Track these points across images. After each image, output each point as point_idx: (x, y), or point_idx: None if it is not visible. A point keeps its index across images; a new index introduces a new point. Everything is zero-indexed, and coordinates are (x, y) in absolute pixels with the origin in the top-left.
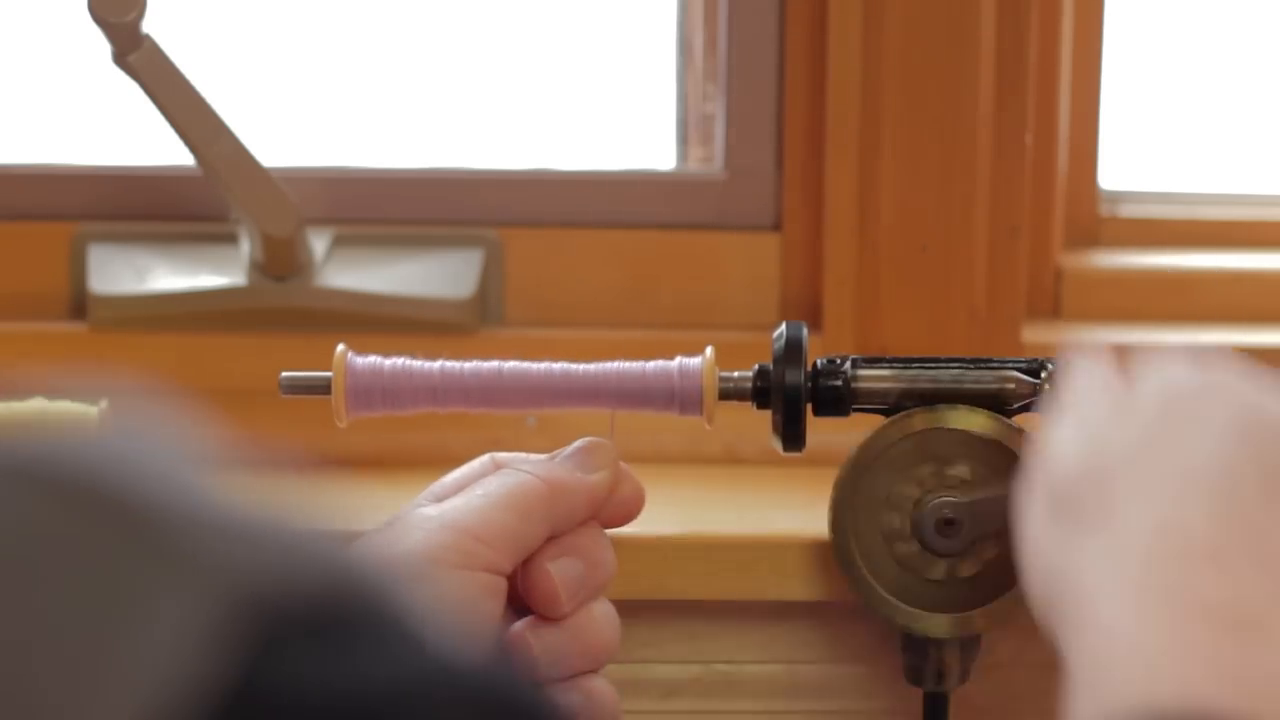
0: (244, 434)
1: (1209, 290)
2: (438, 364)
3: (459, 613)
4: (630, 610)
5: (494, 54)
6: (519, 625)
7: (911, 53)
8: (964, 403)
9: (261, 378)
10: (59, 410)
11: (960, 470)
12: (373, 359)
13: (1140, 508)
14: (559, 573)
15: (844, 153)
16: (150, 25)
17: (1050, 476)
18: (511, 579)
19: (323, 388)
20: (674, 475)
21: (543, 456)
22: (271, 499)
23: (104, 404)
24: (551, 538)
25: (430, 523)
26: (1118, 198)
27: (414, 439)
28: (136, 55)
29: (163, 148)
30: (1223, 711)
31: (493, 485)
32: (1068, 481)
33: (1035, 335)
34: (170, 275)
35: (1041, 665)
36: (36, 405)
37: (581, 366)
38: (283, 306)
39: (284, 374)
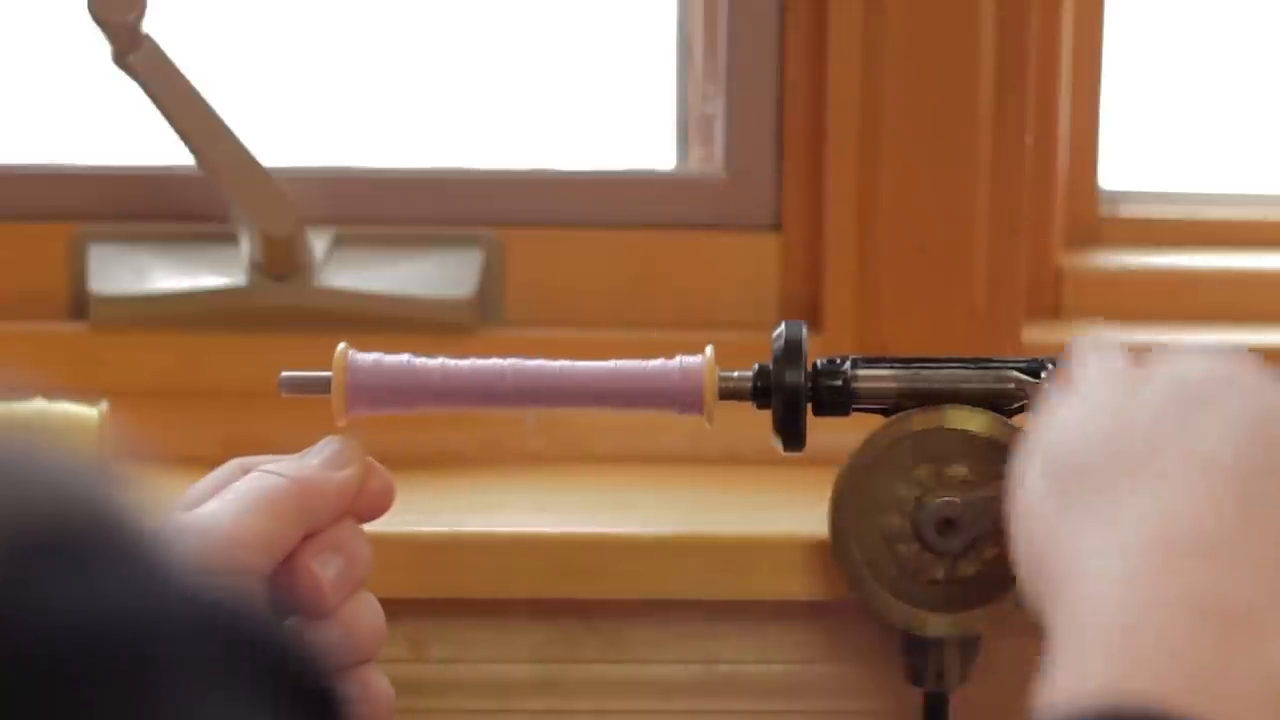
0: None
1: (1209, 290)
2: (438, 363)
3: None
4: (630, 610)
5: (494, 54)
6: (290, 624)
7: (911, 53)
8: (964, 403)
9: (261, 378)
10: (59, 411)
11: (960, 470)
12: (373, 357)
13: (1145, 491)
14: (321, 568)
15: (844, 153)
16: (150, 25)
17: (1053, 447)
18: (268, 581)
19: (323, 387)
20: (674, 475)
21: (290, 457)
22: (23, 435)
23: (104, 405)
24: (307, 536)
25: (185, 528)
26: (1118, 198)
27: (414, 439)
28: (136, 55)
29: (163, 148)
30: (1190, 710)
31: (243, 488)
32: (1072, 454)
33: (1035, 335)
34: (170, 275)
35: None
36: (36, 405)
37: (582, 366)
38: (283, 306)
39: (284, 374)
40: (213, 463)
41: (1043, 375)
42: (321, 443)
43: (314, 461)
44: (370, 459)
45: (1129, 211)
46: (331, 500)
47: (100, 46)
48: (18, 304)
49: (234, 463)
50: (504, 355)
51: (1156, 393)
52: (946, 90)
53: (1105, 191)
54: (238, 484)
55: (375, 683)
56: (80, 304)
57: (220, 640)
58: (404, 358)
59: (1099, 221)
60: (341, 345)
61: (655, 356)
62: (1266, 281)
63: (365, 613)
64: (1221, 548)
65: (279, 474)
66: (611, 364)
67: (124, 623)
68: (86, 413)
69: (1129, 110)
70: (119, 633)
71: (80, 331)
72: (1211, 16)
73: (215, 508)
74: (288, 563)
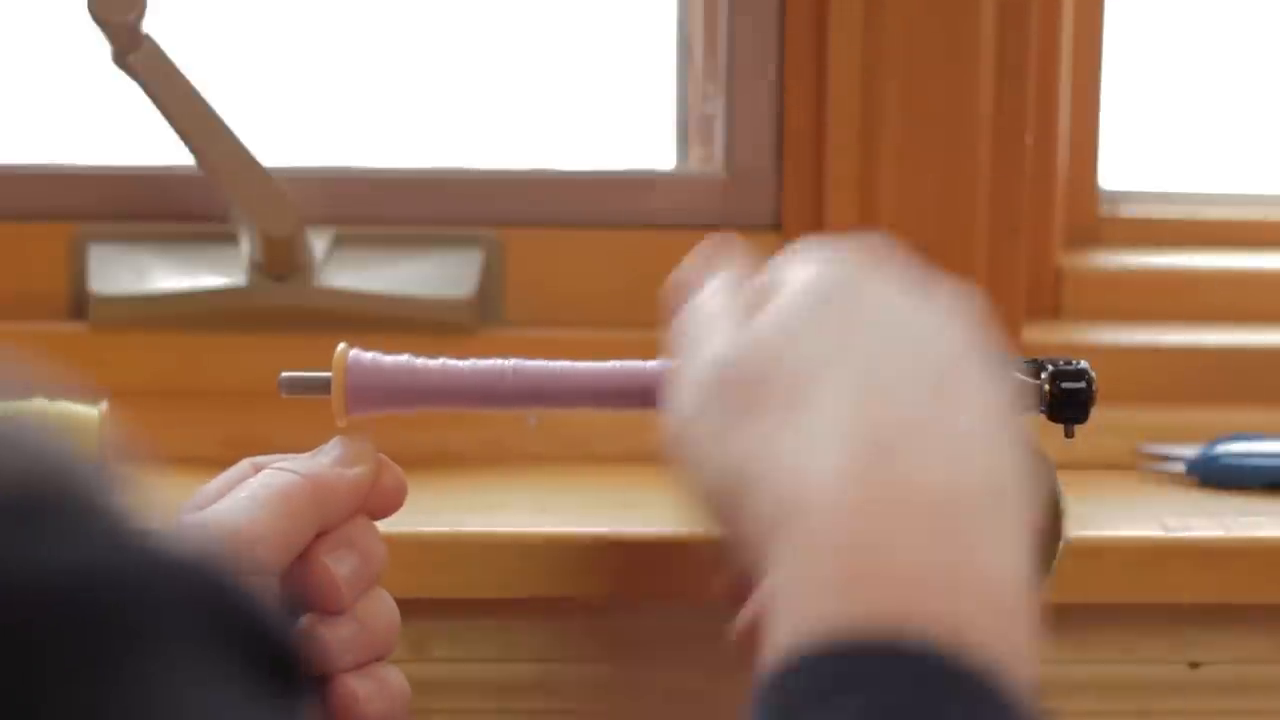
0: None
1: (1209, 290)
2: (438, 363)
3: None
4: (631, 610)
5: (494, 54)
6: (305, 620)
7: (911, 53)
8: None
9: (261, 378)
10: (59, 411)
11: None
12: (373, 358)
13: (832, 399)
14: (335, 565)
15: (844, 153)
16: (150, 25)
17: (707, 369)
18: (283, 579)
19: (323, 387)
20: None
21: (302, 456)
22: None
23: (104, 405)
24: (320, 533)
25: (198, 526)
26: (1118, 198)
27: (414, 439)
28: (136, 55)
29: (163, 148)
30: (922, 625)
31: (255, 486)
32: (733, 370)
33: (1035, 335)
34: (170, 275)
35: (1042, 664)
36: (36, 405)
37: (581, 366)
38: (283, 306)
39: (284, 374)
40: (213, 463)
41: (1042, 375)
42: (333, 441)
43: (326, 459)
44: (383, 456)
45: (1129, 211)
46: (344, 497)
47: (100, 46)
48: (18, 304)
49: (245, 462)
50: (504, 355)
51: (797, 305)
52: (946, 90)
53: (1105, 191)
54: (250, 481)
55: (391, 679)
56: (80, 304)
57: (182, 599)
58: (404, 358)
59: (1099, 221)
60: (341, 345)
61: (655, 357)
62: (1266, 281)
63: (380, 609)
64: (911, 444)
65: (291, 471)
66: (611, 364)
67: (84, 581)
68: (86, 413)
69: (1129, 110)
70: (79, 591)
71: (80, 331)
72: (1211, 16)
73: (227, 505)
74: (301, 560)
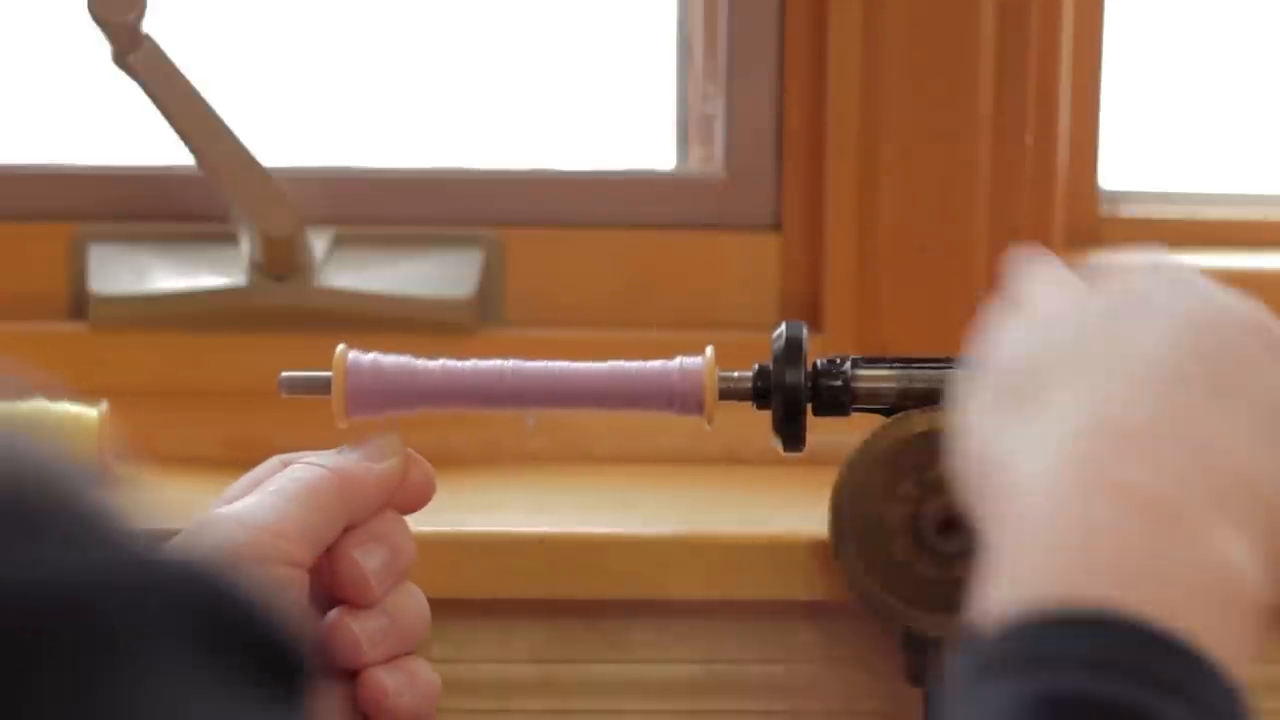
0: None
1: None
2: (438, 364)
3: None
4: (630, 610)
5: (494, 54)
6: (335, 614)
7: (912, 53)
8: None
9: (261, 378)
10: (59, 411)
11: None
12: (373, 358)
13: (1073, 394)
14: (364, 559)
15: (844, 153)
16: (150, 25)
17: (994, 367)
18: (312, 572)
19: (323, 387)
20: (674, 475)
21: (329, 452)
22: None
23: (104, 405)
24: (349, 527)
25: (225, 521)
26: (1118, 198)
27: (414, 439)
28: (136, 55)
29: (163, 148)
30: (1128, 607)
31: (284, 481)
32: (1010, 371)
33: None
34: (170, 275)
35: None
36: (36, 405)
37: (581, 367)
38: (283, 306)
39: (284, 374)
40: (213, 462)
41: None
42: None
43: (354, 454)
44: (410, 451)
45: (1129, 211)
46: (373, 491)
47: (100, 46)
48: (18, 304)
49: (273, 459)
50: (504, 355)
51: (1096, 305)
52: (946, 90)
53: (1105, 191)
54: (278, 476)
55: (421, 672)
56: (80, 304)
57: (179, 604)
58: (404, 358)
59: (1099, 221)
60: (341, 346)
61: (655, 357)
62: (1266, 281)
63: (410, 603)
64: (1150, 441)
65: (320, 465)
66: (611, 365)
67: (76, 586)
68: (86, 413)
69: (1129, 110)
70: (71, 596)
71: (80, 331)
72: (1211, 16)
73: (256, 500)
74: (331, 554)
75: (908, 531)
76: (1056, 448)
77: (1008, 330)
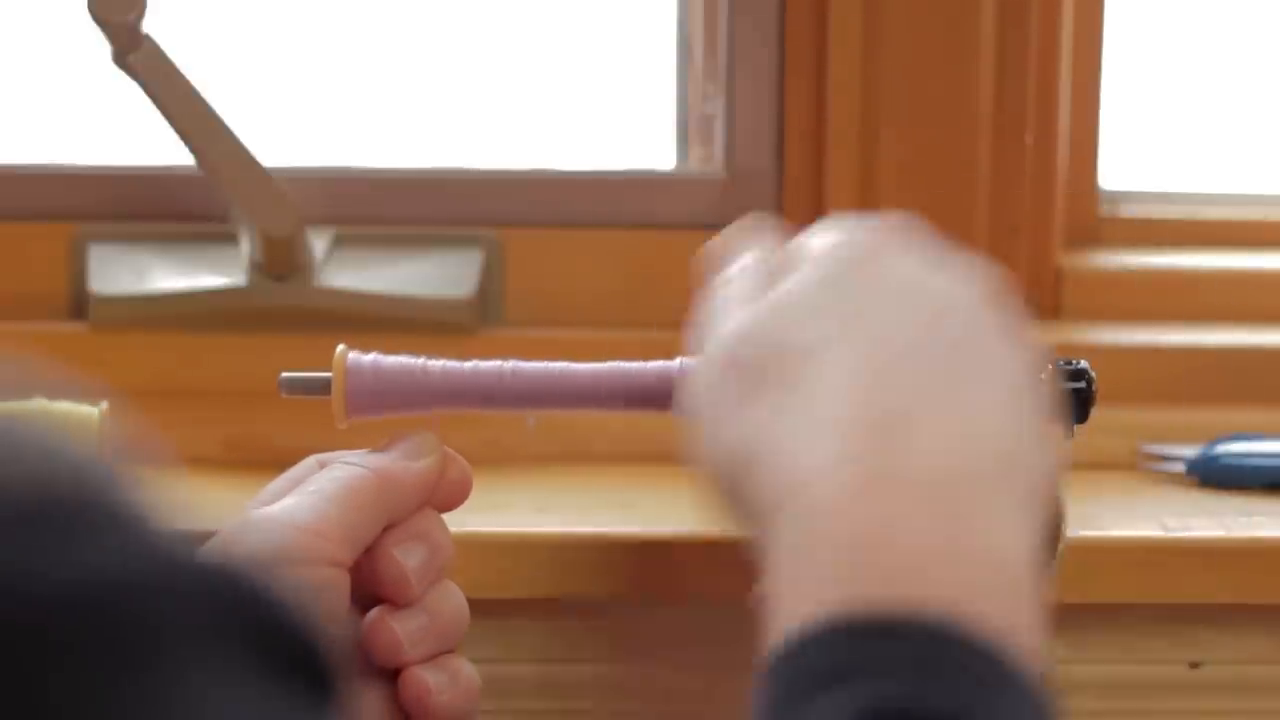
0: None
1: (1209, 290)
2: (438, 364)
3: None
4: (631, 610)
5: (494, 54)
6: (375, 613)
7: (911, 53)
8: None
9: (261, 378)
10: (59, 411)
11: None
12: (372, 358)
13: (828, 376)
14: (404, 557)
15: (844, 153)
16: (150, 25)
17: (722, 346)
18: (352, 572)
19: (323, 388)
20: (674, 475)
21: (367, 451)
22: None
23: (104, 404)
24: (389, 526)
25: (266, 522)
26: (1118, 198)
27: None
28: (136, 55)
29: (163, 148)
30: (927, 605)
31: (324, 481)
32: (743, 350)
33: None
34: (170, 275)
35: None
36: (37, 405)
37: (581, 367)
38: (283, 306)
39: (284, 374)
40: (213, 462)
41: (1041, 376)
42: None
43: (392, 453)
44: (448, 449)
45: (1129, 211)
46: (411, 490)
47: (100, 46)
48: (18, 304)
49: (310, 460)
50: (504, 355)
51: (813, 279)
52: (946, 90)
53: (1105, 191)
54: (317, 476)
55: (463, 670)
56: (80, 304)
57: (210, 605)
58: (404, 359)
59: (1099, 221)
60: (341, 346)
61: (655, 357)
62: (1266, 281)
63: (450, 601)
64: (915, 430)
65: (358, 465)
66: (611, 365)
67: (106, 587)
68: (86, 413)
69: (1129, 110)
70: (100, 597)
71: (80, 331)
72: (1211, 16)
73: (296, 501)
74: (370, 552)
75: None
76: (825, 444)
77: (728, 308)
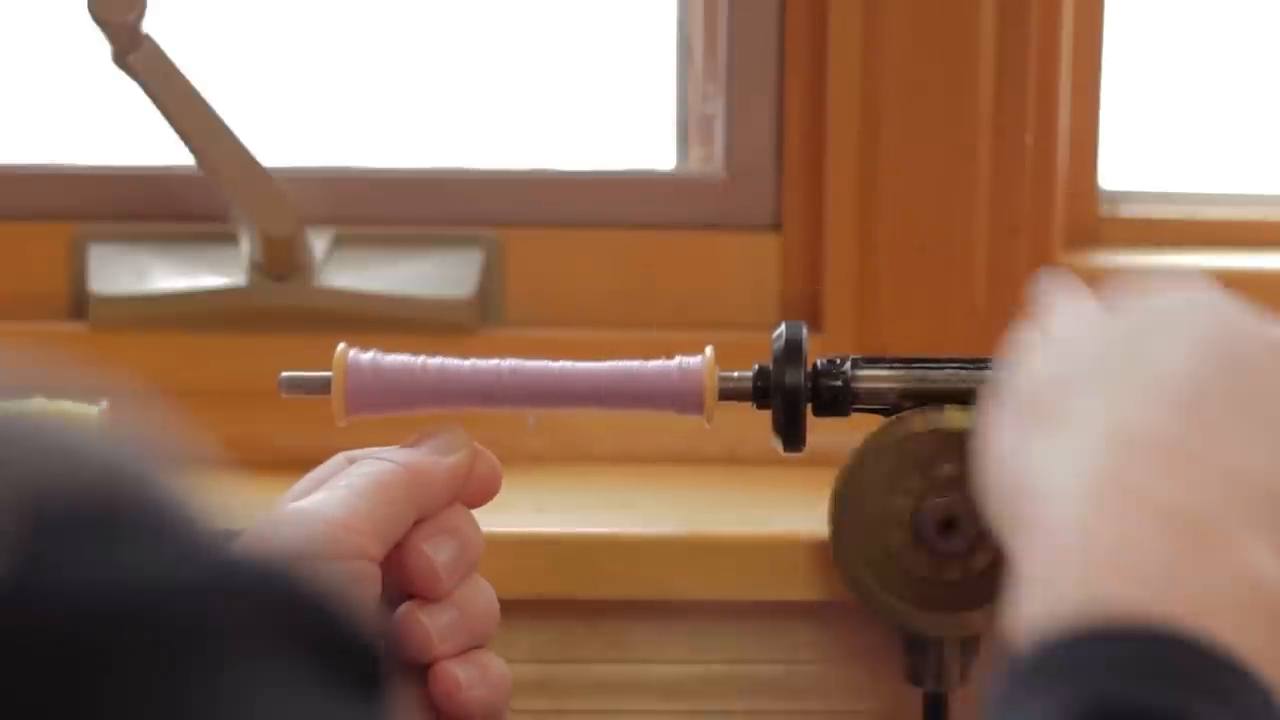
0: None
1: None
2: (438, 364)
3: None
4: (630, 610)
5: (494, 54)
6: (405, 608)
7: (911, 53)
8: (964, 403)
9: (261, 378)
10: (59, 410)
11: (960, 470)
12: (373, 358)
13: (1099, 409)
14: (434, 552)
15: (844, 153)
16: (150, 25)
17: (1016, 386)
18: (382, 567)
19: (323, 387)
20: (674, 475)
21: (397, 447)
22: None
23: (104, 404)
24: (418, 521)
25: (299, 516)
26: (1118, 198)
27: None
28: (136, 55)
29: (163, 148)
30: (1165, 618)
31: (355, 476)
32: (1033, 388)
33: None
34: (170, 275)
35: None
36: (36, 405)
37: (581, 367)
38: (283, 306)
39: (284, 374)
40: (213, 463)
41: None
42: (426, 432)
43: (422, 448)
44: (477, 444)
45: (1129, 211)
46: (442, 484)
47: (100, 46)
48: (18, 304)
49: (339, 456)
50: (504, 355)
51: (1118, 324)
52: (946, 90)
53: (1105, 191)
54: (348, 471)
55: (493, 665)
56: (80, 304)
57: (259, 605)
58: (404, 358)
59: (1099, 221)
60: (341, 346)
61: (655, 356)
62: (1266, 281)
63: (480, 596)
64: (1179, 457)
65: (389, 460)
66: (611, 364)
67: (157, 594)
68: (86, 413)
69: (1129, 110)
70: (152, 604)
71: (80, 331)
72: (1211, 16)
73: (326, 495)
74: (401, 547)
75: (908, 531)
76: (1087, 462)
77: (1031, 351)
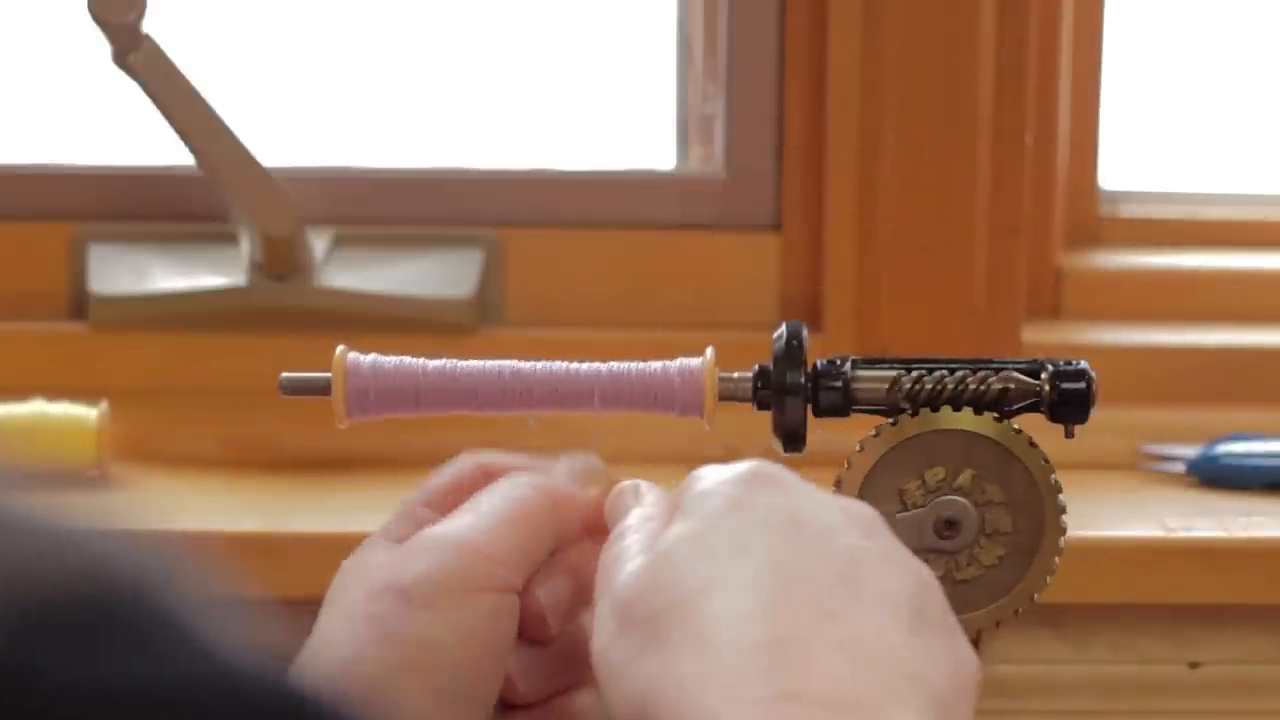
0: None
1: (1209, 290)
2: (437, 365)
3: (476, 636)
4: None
5: (494, 54)
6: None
7: (911, 53)
8: (963, 403)
9: (261, 378)
10: (59, 411)
11: (960, 471)
12: (373, 359)
13: (716, 611)
14: (547, 597)
15: (844, 153)
16: (150, 25)
17: (617, 596)
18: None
19: (323, 388)
20: (674, 475)
21: (529, 460)
22: (52, 503)
23: (104, 405)
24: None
25: (440, 544)
26: (1118, 198)
27: (414, 439)
28: (136, 55)
29: (163, 148)
30: None
31: (497, 500)
32: (633, 600)
33: (1035, 335)
34: (170, 275)
35: (1042, 664)
36: (36, 406)
37: (581, 366)
38: (283, 306)
39: (284, 374)
40: (213, 463)
41: (1042, 376)
42: (566, 457)
43: (563, 475)
44: (615, 479)
45: (1129, 211)
46: (579, 520)
47: (100, 46)
48: (18, 304)
49: (469, 461)
50: (504, 355)
51: (692, 527)
52: (946, 90)
53: (1105, 191)
54: (492, 493)
55: (587, 707)
56: (80, 304)
57: (242, 711)
58: (404, 359)
59: (1099, 221)
60: (341, 347)
61: (655, 357)
62: (1266, 281)
63: (584, 637)
64: (811, 650)
65: (532, 486)
66: (611, 365)
67: (148, 698)
68: (86, 413)
69: (1129, 110)
70: (143, 708)
71: (80, 331)
72: (1211, 16)
73: (471, 521)
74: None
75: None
76: (725, 675)
77: (621, 562)
